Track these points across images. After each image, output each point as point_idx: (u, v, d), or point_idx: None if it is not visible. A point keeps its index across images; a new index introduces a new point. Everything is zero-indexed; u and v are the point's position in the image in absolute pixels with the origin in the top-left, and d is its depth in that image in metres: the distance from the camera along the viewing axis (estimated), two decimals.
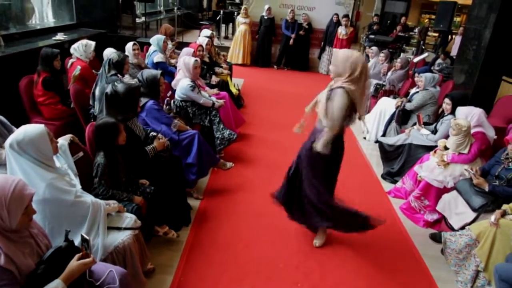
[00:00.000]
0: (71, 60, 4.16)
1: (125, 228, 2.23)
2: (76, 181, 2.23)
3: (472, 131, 3.45)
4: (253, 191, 3.76)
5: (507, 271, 2.30)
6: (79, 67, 3.91)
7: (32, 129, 1.89)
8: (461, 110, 3.60)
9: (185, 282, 2.55)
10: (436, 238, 3.24)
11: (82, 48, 4.11)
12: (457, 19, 12.39)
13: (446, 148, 3.54)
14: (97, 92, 3.55)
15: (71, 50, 4.15)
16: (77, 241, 1.76)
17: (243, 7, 9.02)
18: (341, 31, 8.54)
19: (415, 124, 4.35)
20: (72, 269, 1.59)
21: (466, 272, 2.72)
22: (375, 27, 9.38)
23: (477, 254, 2.65)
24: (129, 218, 2.28)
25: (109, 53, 3.83)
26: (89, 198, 2.09)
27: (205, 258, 2.79)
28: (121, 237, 2.16)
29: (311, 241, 3.08)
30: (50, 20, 6.15)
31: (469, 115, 3.52)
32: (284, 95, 7.26)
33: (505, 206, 2.71)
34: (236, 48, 9.08)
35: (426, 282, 2.81)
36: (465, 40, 5.70)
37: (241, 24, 8.99)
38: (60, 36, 5.16)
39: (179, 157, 3.24)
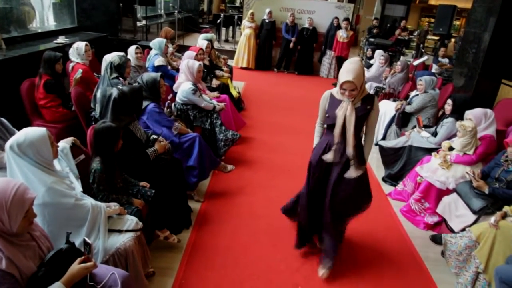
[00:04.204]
0: (71, 64, 4.18)
1: (127, 230, 2.23)
2: (77, 184, 2.25)
3: (483, 133, 3.43)
4: (254, 193, 3.76)
5: (508, 273, 2.30)
6: (80, 70, 3.93)
7: (33, 132, 1.90)
8: (474, 112, 3.53)
9: (186, 285, 2.55)
10: (436, 240, 3.24)
11: (75, 51, 4.13)
12: (457, 22, 12.44)
13: (450, 149, 3.54)
14: (98, 95, 3.56)
15: (69, 56, 4.18)
16: (77, 244, 1.76)
17: (249, 11, 9.05)
18: (342, 34, 8.56)
19: (415, 126, 4.36)
20: (73, 272, 1.59)
21: (467, 274, 2.72)
22: (374, 31, 9.43)
23: (476, 256, 2.65)
24: (131, 220, 2.28)
25: (111, 57, 3.84)
26: (89, 201, 2.09)
27: (206, 260, 2.79)
28: (122, 239, 2.17)
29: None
30: (51, 24, 6.18)
31: (485, 117, 3.48)
32: (284, 98, 7.28)
33: (506, 208, 2.72)
34: (241, 52, 9.12)
35: (427, 284, 2.81)
36: (465, 43, 5.73)
37: (247, 28, 9.03)
38: (61, 40, 5.19)
39: (180, 160, 3.25)
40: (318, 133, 2.74)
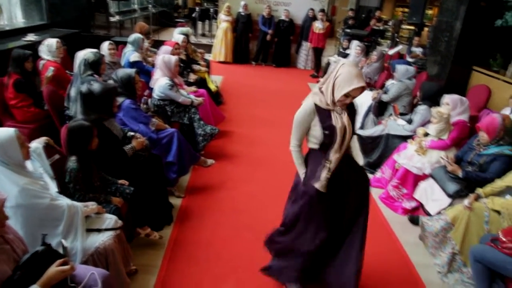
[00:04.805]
0: (41, 62, 4.05)
1: (106, 229, 2.20)
2: (52, 184, 2.20)
3: (456, 118, 3.54)
4: (235, 187, 3.76)
5: (481, 253, 2.39)
6: (51, 68, 3.82)
7: (0, 133, 1.85)
8: (452, 96, 3.64)
9: (168, 281, 2.54)
10: (414, 220, 3.34)
11: (45, 48, 4.00)
12: (430, 12, 12.66)
13: (425, 135, 3.63)
14: (72, 93, 3.48)
15: (40, 53, 4.05)
16: (54, 246, 1.73)
17: (225, 4, 8.95)
18: (318, 25, 8.58)
19: (391, 115, 4.45)
20: (50, 275, 1.56)
21: (443, 255, 2.81)
22: (350, 22, 9.49)
23: (452, 237, 2.74)
24: (110, 219, 2.26)
25: (83, 54, 3.74)
26: (65, 201, 2.05)
27: (188, 256, 2.78)
28: (101, 239, 2.14)
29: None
30: (19, 21, 5.97)
31: (461, 102, 3.60)
32: (263, 91, 7.27)
33: (479, 190, 2.82)
34: (218, 45, 9.04)
35: (407, 268, 2.88)
36: (437, 32, 5.85)
37: (223, 22, 8.93)
38: (30, 37, 5.02)
39: (159, 156, 3.21)
40: (299, 159, 2.23)
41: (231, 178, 3.92)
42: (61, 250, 1.70)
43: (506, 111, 3.88)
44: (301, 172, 2.22)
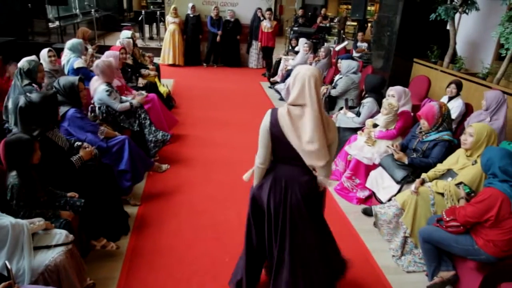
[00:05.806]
0: None
1: (56, 245, 2.10)
2: None
3: (401, 109, 3.73)
4: (192, 190, 3.72)
5: (429, 233, 2.54)
6: None
7: None
8: (396, 88, 3.82)
9: None
10: (367, 212, 3.48)
11: None
12: (372, 8, 13.25)
13: (374, 126, 3.79)
14: (10, 105, 3.27)
15: None
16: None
17: (172, 6, 8.79)
18: (266, 24, 8.68)
19: (341, 108, 4.60)
20: None
21: (397, 240, 2.95)
22: (301, 20, 9.68)
23: (403, 222, 2.89)
24: (59, 234, 2.15)
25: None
26: (7, 220, 1.92)
27: (148, 264, 2.71)
28: (51, 255, 2.03)
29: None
30: None
31: (404, 93, 3.79)
32: (215, 92, 7.25)
33: (423, 175, 2.99)
34: (166, 48, 8.88)
35: (362, 254, 2.99)
36: (380, 27, 6.13)
37: (171, 24, 8.78)
38: None
39: (110, 165, 3.10)
40: None
41: (188, 182, 3.88)
42: (5, 273, 1.60)
43: (444, 100, 4.15)
44: None
